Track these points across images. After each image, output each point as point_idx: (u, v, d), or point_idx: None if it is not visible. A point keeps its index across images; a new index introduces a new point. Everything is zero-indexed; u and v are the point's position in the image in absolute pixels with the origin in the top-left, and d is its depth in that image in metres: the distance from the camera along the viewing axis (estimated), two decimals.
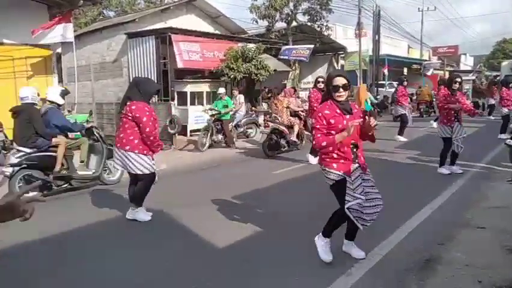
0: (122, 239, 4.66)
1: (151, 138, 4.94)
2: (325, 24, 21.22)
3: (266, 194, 6.54)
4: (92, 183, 7.05)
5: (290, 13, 20.34)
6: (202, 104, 14.25)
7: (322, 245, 3.80)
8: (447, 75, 29.06)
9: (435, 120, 14.68)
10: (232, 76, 14.25)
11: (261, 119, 17.29)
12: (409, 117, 12.00)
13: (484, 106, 18.85)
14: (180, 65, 13.70)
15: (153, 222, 5.10)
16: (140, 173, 5.00)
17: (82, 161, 6.89)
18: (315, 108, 7.23)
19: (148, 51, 14.17)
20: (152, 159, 5.13)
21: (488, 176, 7.12)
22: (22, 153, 6.28)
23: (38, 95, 6.84)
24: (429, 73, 26.84)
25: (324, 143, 3.53)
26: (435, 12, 42.51)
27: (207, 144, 10.95)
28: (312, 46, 18.88)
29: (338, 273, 3.55)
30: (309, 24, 21.27)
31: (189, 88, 13.96)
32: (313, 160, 8.25)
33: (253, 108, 17.38)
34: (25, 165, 6.20)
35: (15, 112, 6.59)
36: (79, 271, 3.85)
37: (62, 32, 10.37)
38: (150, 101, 5.25)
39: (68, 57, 15.08)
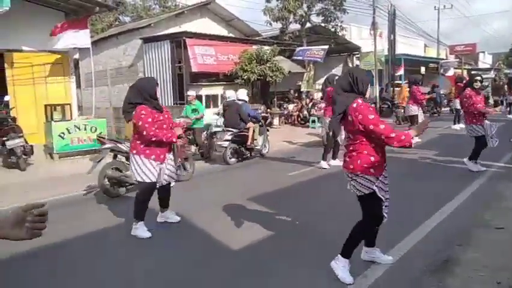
0: (135, 242, 4.70)
1: (153, 139, 4.59)
2: (339, 24, 21.13)
3: (280, 195, 6.54)
4: (258, 155, 9.72)
5: (304, 14, 20.30)
6: (217, 106, 14.33)
7: (342, 267, 3.44)
8: (465, 74, 28.64)
9: (455, 122, 14.45)
10: (246, 77, 14.30)
11: (276, 121, 17.36)
12: (422, 118, 11.70)
13: (503, 104, 18.48)
14: (194, 69, 13.82)
15: (167, 225, 5.14)
16: (139, 179, 4.69)
17: (255, 139, 9.57)
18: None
19: (163, 55, 14.33)
20: (161, 162, 4.71)
21: (507, 176, 6.98)
22: (231, 132, 9.28)
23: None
24: (449, 73, 26.45)
25: (403, 137, 3.19)
26: (451, 10, 41.82)
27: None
28: (326, 47, 18.83)
29: (353, 275, 3.52)
30: (323, 25, 21.20)
31: (204, 91, 14.07)
32: (326, 165, 8.36)
33: (268, 110, 17.44)
34: (233, 140, 9.27)
35: (227, 106, 9.72)
36: (90, 273, 3.91)
37: (79, 38, 10.56)
38: (158, 102, 4.84)
39: (85, 62, 15.37)
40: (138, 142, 4.70)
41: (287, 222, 5.11)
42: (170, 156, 4.89)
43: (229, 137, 9.19)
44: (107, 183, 6.43)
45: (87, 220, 5.54)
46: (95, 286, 3.69)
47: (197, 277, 3.73)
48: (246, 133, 9.47)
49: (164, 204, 5.18)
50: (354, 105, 3.31)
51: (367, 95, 3.51)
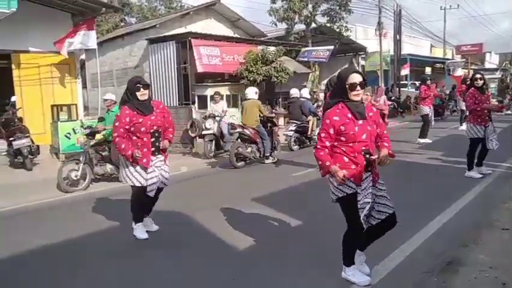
0: (137, 242, 4.69)
1: (114, 141, 4.51)
2: (344, 25, 21.08)
3: (284, 196, 6.55)
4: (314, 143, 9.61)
5: (309, 15, 20.27)
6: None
7: (352, 274, 3.41)
8: (466, 74, 28.49)
9: (462, 123, 14.37)
10: (251, 78, 14.30)
11: (281, 121, 17.33)
12: (431, 118, 11.68)
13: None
14: (200, 69, 13.83)
15: (170, 224, 5.16)
16: (128, 182, 4.59)
17: (313, 130, 11.33)
18: None
19: (168, 56, 14.36)
20: (145, 167, 4.48)
21: None
22: (295, 124, 11.29)
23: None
24: (457, 73, 26.30)
25: (320, 162, 3.27)
26: (458, 10, 41.62)
27: (84, 183, 7.38)
28: (332, 47, 18.81)
29: None
30: (328, 25, 21.16)
31: (209, 91, 14.06)
32: None
33: (273, 110, 17.43)
34: (296, 130, 11.30)
35: (291, 102, 11.69)
36: (98, 271, 3.93)
37: (85, 39, 10.61)
38: (146, 103, 4.54)
39: (91, 63, 15.44)
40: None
41: (290, 223, 5.10)
42: (160, 158, 4.63)
43: (293, 128, 11.25)
44: (234, 157, 8.85)
45: (89, 220, 5.57)
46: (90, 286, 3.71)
47: (198, 277, 3.74)
48: (306, 125, 11.49)
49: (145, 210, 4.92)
50: (332, 108, 3.32)
51: (364, 95, 3.50)
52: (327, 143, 3.26)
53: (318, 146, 3.30)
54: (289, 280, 3.59)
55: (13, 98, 10.29)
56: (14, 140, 8.78)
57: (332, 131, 3.22)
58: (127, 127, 4.44)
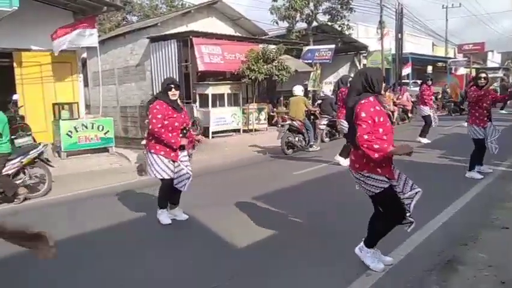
0: (142, 238, 4.74)
1: (155, 135, 4.76)
2: (346, 23, 21.05)
3: (285, 194, 6.56)
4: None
5: (310, 13, 20.25)
6: (224, 106, 14.38)
7: (369, 257, 3.54)
8: (474, 73, 28.41)
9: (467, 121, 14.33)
10: (253, 77, 14.32)
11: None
12: (434, 117, 11.62)
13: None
14: (201, 68, 13.86)
15: (173, 222, 5.18)
16: (156, 176, 4.91)
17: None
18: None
19: (170, 54, 14.39)
20: (173, 161, 4.85)
21: None
22: (326, 119, 12.08)
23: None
24: (459, 72, 26.29)
25: (377, 146, 3.14)
26: (460, 8, 41.51)
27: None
28: (333, 46, 18.82)
29: (357, 273, 3.53)
30: (329, 24, 21.14)
31: (211, 90, 14.10)
32: (345, 162, 7.89)
33: (274, 109, 17.44)
34: (328, 124, 12.31)
35: (323, 98, 12.85)
36: (97, 269, 3.95)
37: (86, 37, 10.61)
38: (173, 98, 4.88)
39: (93, 61, 15.45)
40: (150, 138, 4.90)
41: (291, 221, 5.12)
42: (184, 153, 4.98)
43: (325, 122, 12.25)
44: (285, 146, 9.96)
45: (92, 218, 5.59)
46: (91, 284, 3.73)
47: (200, 275, 3.76)
48: (336, 119, 11.78)
49: (174, 201, 5.25)
50: (362, 101, 3.29)
51: (382, 92, 3.48)
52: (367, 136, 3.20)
53: (365, 135, 3.17)
54: (290, 278, 3.61)
55: (15, 96, 10.31)
56: (16, 138, 8.78)
57: (370, 121, 3.22)
58: (163, 121, 4.74)
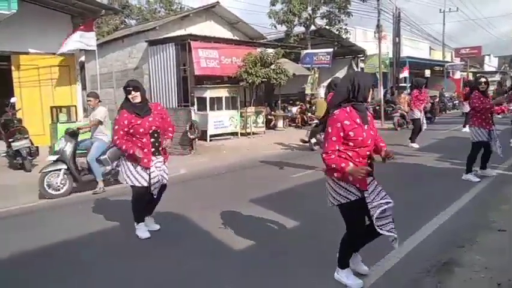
0: (136, 241, 4.73)
1: (116, 143, 4.64)
2: (344, 27, 21.14)
3: (283, 197, 6.57)
4: None
5: (309, 17, 20.34)
6: (222, 109, 14.41)
7: (346, 276, 3.42)
8: (470, 77, 28.53)
9: (465, 125, 14.39)
10: (251, 81, 14.35)
11: (280, 123, 17.38)
12: (422, 122, 11.59)
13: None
14: (197, 72, 13.90)
15: (170, 225, 5.18)
16: (128, 183, 4.67)
17: None
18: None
19: (168, 58, 14.42)
20: (145, 167, 4.57)
21: (510, 179, 6.97)
22: None
23: None
24: (456, 76, 26.39)
25: (334, 165, 3.17)
26: (457, 13, 41.73)
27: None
28: (331, 50, 18.92)
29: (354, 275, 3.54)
30: (327, 28, 21.22)
31: (209, 93, 14.13)
32: None
33: (272, 113, 17.49)
34: None
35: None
36: (93, 272, 3.95)
37: (85, 40, 10.64)
38: (141, 105, 4.62)
39: (91, 65, 15.47)
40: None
41: (288, 224, 5.12)
42: (159, 159, 4.70)
43: None
44: (312, 143, 10.81)
45: (89, 221, 5.58)
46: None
47: (195, 278, 3.76)
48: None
49: (147, 210, 4.99)
50: (336, 112, 3.21)
51: (369, 99, 3.37)
52: (337, 147, 3.19)
53: (329, 151, 3.18)
54: (285, 280, 3.61)
55: (13, 99, 10.30)
56: (13, 141, 8.79)
57: (341, 134, 3.16)
58: (126, 129, 4.56)
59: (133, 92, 4.58)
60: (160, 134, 4.74)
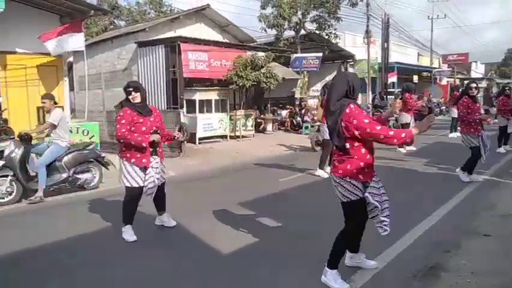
0: (125, 245, 4.68)
1: (121, 140, 4.62)
2: (333, 32, 21.27)
3: (271, 201, 6.56)
4: None
5: (298, 22, 20.44)
6: (211, 112, 14.38)
7: (333, 279, 3.43)
8: (457, 83, 28.89)
9: (452, 131, 14.57)
10: (240, 84, 14.36)
11: (269, 127, 17.39)
12: (412, 126, 11.67)
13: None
14: (185, 75, 13.86)
15: (159, 227, 5.14)
16: (125, 183, 4.70)
17: None
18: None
19: (157, 59, 14.35)
20: (144, 167, 4.63)
21: (496, 185, 7.06)
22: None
23: None
24: (443, 82, 26.73)
25: (403, 134, 3.19)
26: (445, 19, 42.28)
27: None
28: (320, 54, 19.02)
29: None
30: (317, 32, 21.34)
31: (198, 96, 14.10)
32: (326, 174, 8.02)
33: (261, 116, 17.50)
34: None
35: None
36: (82, 274, 3.90)
37: (73, 41, 10.53)
38: (142, 105, 4.73)
39: (79, 65, 15.34)
40: (122, 145, 4.73)
41: (276, 228, 5.12)
42: (156, 160, 4.75)
43: None
44: (314, 144, 11.22)
45: (79, 223, 5.52)
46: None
47: (182, 282, 3.74)
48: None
49: (159, 208, 5.15)
50: (347, 110, 3.28)
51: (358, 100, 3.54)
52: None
53: (390, 133, 3.19)
54: (272, 281, 3.61)
55: None
56: None
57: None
58: (128, 127, 4.61)
59: (133, 93, 4.67)
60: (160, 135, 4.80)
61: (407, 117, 11.50)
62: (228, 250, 4.37)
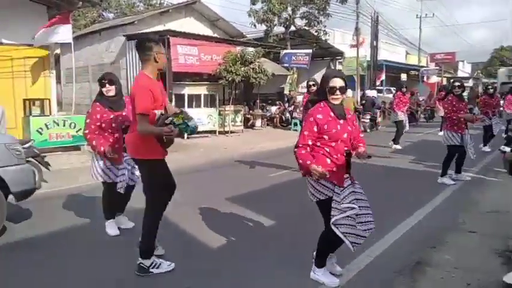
0: (109, 240, 4.65)
1: (86, 138, 4.53)
2: (323, 29, 21.31)
3: (260, 196, 6.58)
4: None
5: (288, 17, 20.43)
6: (200, 106, 14.32)
7: (322, 275, 3.43)
8: (444, 82, 29.23)
9: (441, 130, 14.72)
10: (230, 79, 14.32)
11: (258, 122, 17.39)
12: (405, 123, 11.84)
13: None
14: (175, 69, 13.77)
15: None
16: (94, 178, 4.64)
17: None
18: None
19: None
20: (114, 163, 4.48)
21: (480, 182, 7.19)
22: (369, 115, 16.31)
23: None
24: (431, 80, 26.99)
25: (301, 161, 3.24)
26: (433, 18, 42.69)
27: None
28: (310, 51, 19.06)
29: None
30: (306, 28, 21.36)
31: (187, 91, 14.04)
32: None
33: (250, 111, 17.49)
34: (370, 119, 16.52)
35: (366, 98, 17.16)
36: (65, 268, 3.88)
37: (60, 33, 10.39)
38: (115, 99, 4.55)
39: (66, 58, 15.15)
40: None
41: (265, 223, 5.14)
42: (127, 156, 4.44)
43: (368, 117, 16.15)
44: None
45: (60, 218, 5.47)
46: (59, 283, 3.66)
47: (171, 277, 3.73)
48: (376, 116, 17.00)
49: (120, 208, 4.88)
50: (311, 109, 3.36)
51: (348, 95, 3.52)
52: (310, 142, 3.27)
53: (300, 145, 3.27)
54: (265, 280, 3.63)
55: None
56: None
57: (315, 129, 3.24)
58: (97, 123, 4.47)
59: (107, 85, 4.51)
60: None
61: (400, 115, 11.62)
62: (214, 245, 4.37)
